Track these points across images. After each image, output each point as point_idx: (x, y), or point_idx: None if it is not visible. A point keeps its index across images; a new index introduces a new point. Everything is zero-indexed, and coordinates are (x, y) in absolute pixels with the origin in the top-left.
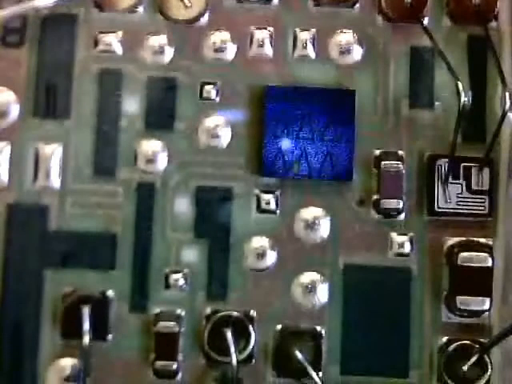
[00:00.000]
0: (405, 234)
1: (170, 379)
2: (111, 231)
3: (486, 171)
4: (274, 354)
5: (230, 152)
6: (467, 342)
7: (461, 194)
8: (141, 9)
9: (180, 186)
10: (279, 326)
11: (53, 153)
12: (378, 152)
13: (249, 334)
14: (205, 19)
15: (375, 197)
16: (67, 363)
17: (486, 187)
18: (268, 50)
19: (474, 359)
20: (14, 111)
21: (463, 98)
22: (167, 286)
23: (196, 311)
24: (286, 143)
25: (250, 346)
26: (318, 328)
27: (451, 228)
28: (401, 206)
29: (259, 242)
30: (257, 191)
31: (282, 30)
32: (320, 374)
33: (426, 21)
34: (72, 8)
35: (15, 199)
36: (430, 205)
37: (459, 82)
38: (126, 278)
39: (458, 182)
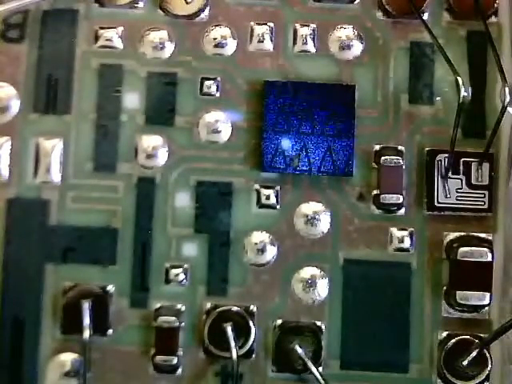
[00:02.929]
0: (405, 229)
1: (170, 374)
2: (111, 226)
3: (486, 166)
4: (274, 349)
5: (230, 147)
6: (467, 336)
7: (460, 188)
8: (141, 4)
9: (180, 180)
10: (279, 321)
11: (53, 148)
12: (377, 147)
13: (249, 329)
14: (205, 14)
15: (375, 192)
16: (67, 358)
17: (485, 182)
18: (268, 45)
19: (473, 354)
20: (15, 106)
21: (463, 93)
22: (167, 280)
23: (196, 306)
24: (285, 138)
25: (250, 341)
26: (318, 323)
27: (451, 223)
28: (401, 200)
29: (259, 237)
30: (257, 186)
31: (282, 25)
32: (320, 368)
33: (425, 16)
34: (72, 3)
35: (16, 194)
36: (429, 200)
37: (459, 77)
38: (126, 273)
39: (457, 176)
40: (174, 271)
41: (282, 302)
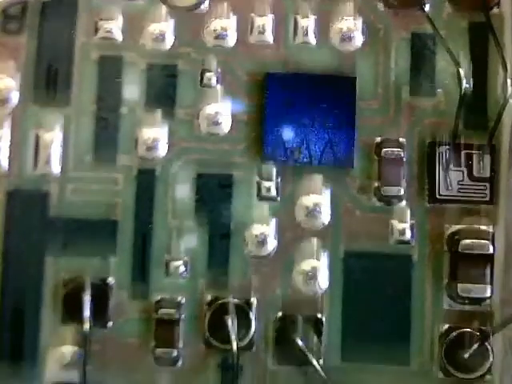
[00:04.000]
0: (406, 222)
1: (170, 366)
2: (111, 218)
3: (488, 158)
4: (274, 342)
5: (231, 139)
6: (468, 329)
7: (462, 181)
8: None
9: (180, 173)
10: (280, 313)
11: (53, 139)
12: (378, 139)
13: (249, 321)
14: (205, 6)
15: (376, 184)
16: (67, 350)
17: (487, 174)
18: (269, 37)
19: (475, 347)
20: (14, 98)
21: (464, 85)
22: (168, 272)
23: (196, 298)
24: (286, 130)
25: (251, 334)
26: (319, 315)
27: (452, 215)
28: (402, 193)
29: (260, 229)
30: (257, 178)
31: (282, 17)
32: (321, 361)
33: (427, 7)
34: None
35: (15, 186)
36: (431, 192)
37: (460, 69)
38: (126, 265)
39: (459, 169)
40: (174, 263)
41: (282, 294)
